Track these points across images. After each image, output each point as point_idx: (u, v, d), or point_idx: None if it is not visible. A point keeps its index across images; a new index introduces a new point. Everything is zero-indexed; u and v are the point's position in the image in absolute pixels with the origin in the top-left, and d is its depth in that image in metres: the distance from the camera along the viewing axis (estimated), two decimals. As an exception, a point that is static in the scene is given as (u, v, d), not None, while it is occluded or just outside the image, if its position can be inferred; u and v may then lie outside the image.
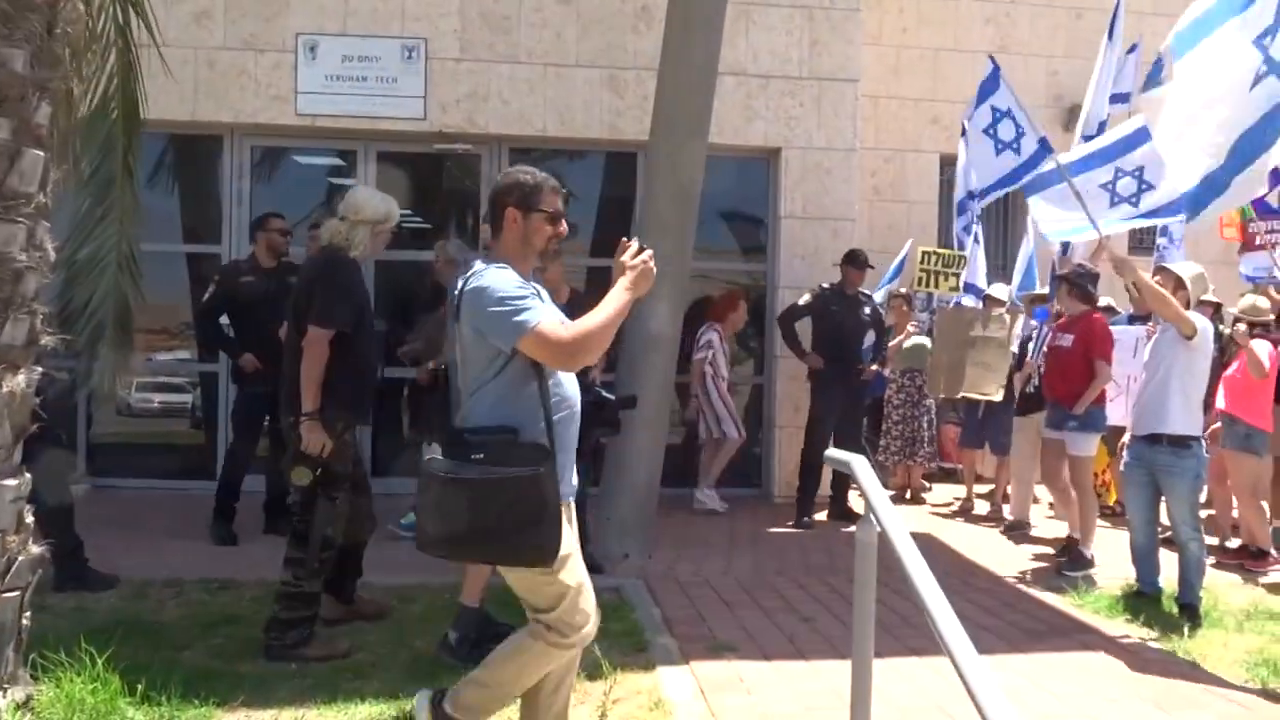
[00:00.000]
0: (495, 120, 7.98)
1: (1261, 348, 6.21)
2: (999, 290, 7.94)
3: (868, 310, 7.62)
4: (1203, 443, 5.33)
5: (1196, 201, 5.19)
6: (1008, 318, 7.53)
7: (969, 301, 8.39)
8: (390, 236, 4.59)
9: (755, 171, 8.53)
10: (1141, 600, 5.45)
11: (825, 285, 7.59)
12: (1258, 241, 7.80)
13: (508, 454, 2.70)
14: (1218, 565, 6.28)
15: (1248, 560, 6.41)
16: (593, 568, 5.71)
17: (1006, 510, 7.91)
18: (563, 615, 2.87)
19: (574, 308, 5.68)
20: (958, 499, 8.63)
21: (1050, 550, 6.82)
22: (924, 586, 2.11)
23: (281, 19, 7.81)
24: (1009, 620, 5.17)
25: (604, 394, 4.95)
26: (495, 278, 2.77)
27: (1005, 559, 6.58)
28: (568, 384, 3.00)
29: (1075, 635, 4.95)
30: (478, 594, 4.31)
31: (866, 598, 2.53)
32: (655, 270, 2.85)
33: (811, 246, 8.09)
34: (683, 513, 7.62)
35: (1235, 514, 7.13)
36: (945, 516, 8.17)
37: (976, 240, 8.32)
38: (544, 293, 2.94)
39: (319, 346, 4.20)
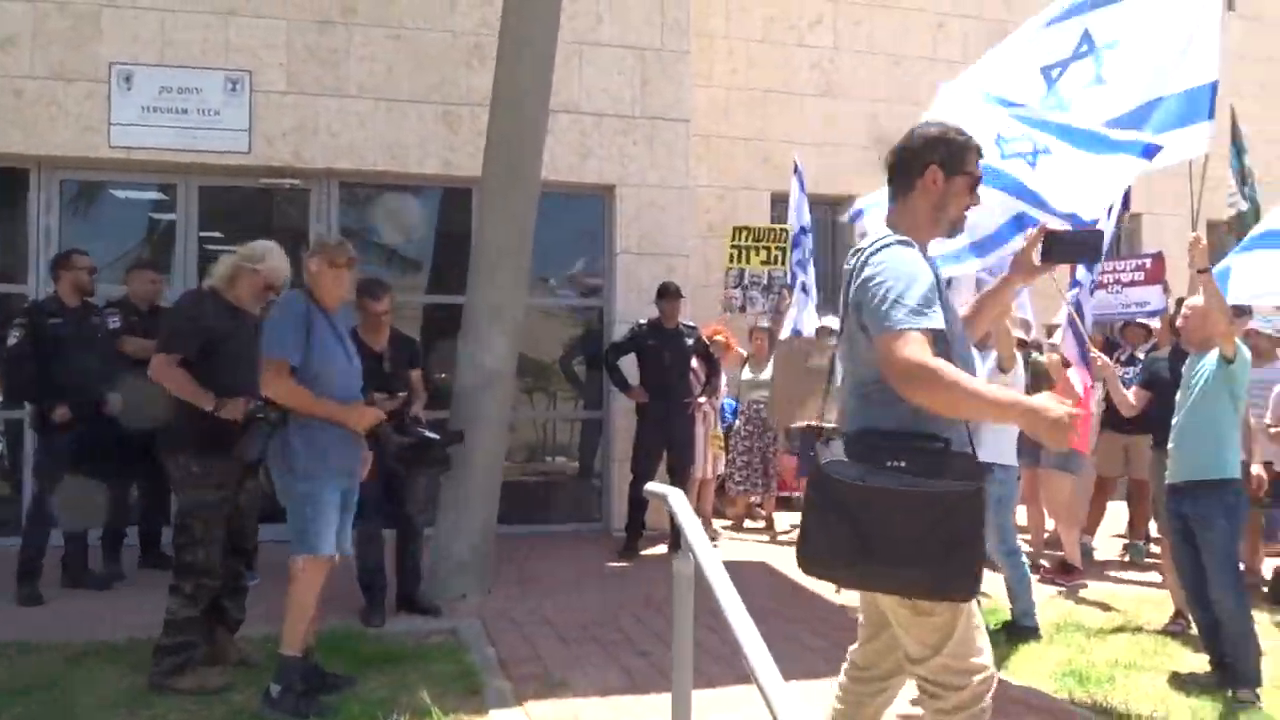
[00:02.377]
0: (324, 154, 7.80)
1: (1075, 377, 6.64)
2: (831, 321, 8.21)
3: (690, 341, 7.72)
4: (1006, 468, 5.64)
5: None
6: None
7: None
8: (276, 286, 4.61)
9: (591, 208, 8.61)
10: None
11: (643, 321, 7.74)
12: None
13: (939, 465, 2.34)
14: (1042, 580, 6.65)
15: (1060, 575, 6.81)
16: (430, 610, 5.65)
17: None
18: (939, 667, 2.44)
19: (396, 349, 5.64)
20: (794, 526, 8.85)
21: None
22: (734, 615, 2.15)
23: (92, 46, 7.43)
24: (838, 642, 5.28)
25: (428, 433, 4.90)
26: (898, 257, 2.40)
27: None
28: (969, 368, 2.61)
29: (900, 654, 5.13)
30: (299, 642, 4.14)
31: (685, 628, 2.55)
32: (1063, 424, 2.30)
33: (647, 282, 8.20)
34: (523, 550, 7.54)
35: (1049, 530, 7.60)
36: (785, 544, 8.36)
37: (804, 290, 8.63)
38: (945, 296, 2.52)
39: (162, 372, 4.30)
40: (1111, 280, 7.90)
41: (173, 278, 7.60)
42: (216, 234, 7.89)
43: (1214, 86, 4.41)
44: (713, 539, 8.04)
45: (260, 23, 7.67)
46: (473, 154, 7.16)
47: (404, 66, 7.93)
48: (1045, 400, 2.30)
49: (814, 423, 7.83)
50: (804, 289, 8.69)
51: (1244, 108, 9.32)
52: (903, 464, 2.33)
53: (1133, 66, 4.56)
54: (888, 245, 2.44)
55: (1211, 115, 4.39)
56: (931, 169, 2.52)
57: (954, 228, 2.64)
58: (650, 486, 2.91)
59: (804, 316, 8.48)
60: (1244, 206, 8.55)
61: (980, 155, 2.63)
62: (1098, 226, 3.96)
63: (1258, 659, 4.55)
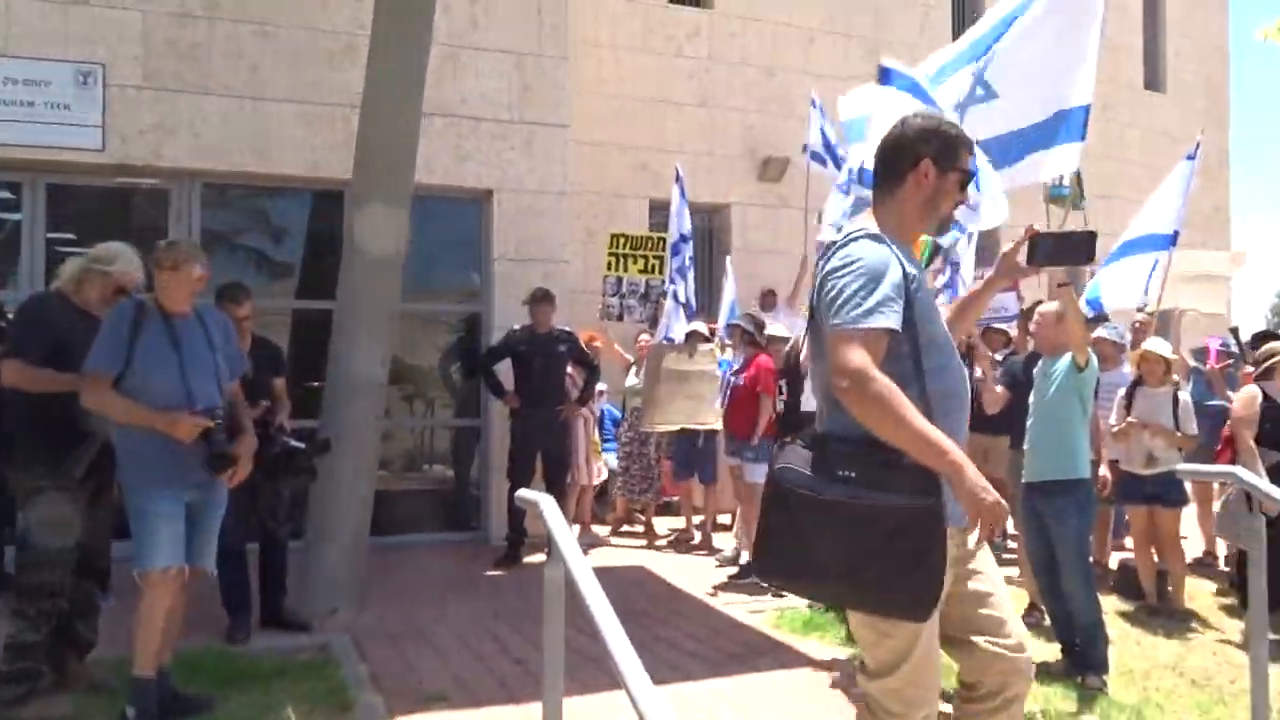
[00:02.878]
0: (185, 154, 7.48)
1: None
2: (700, 326, 8.29)
3: (563, 348, 7.68)
4: None
5: None
6: (718, 352, 7.90)
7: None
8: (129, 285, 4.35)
9: (469, 213, 8.51)
10: (833, 616, 5.84)
11: (517, 326, 7.71)
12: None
13: (886, 477, 2.17)
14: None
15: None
16: (298, 625, 5.47)
17: (717, 540, 8.27)
18: (887, 690, 2.31)
19: (258, 357, 5.44)
20: (674, 530, 8.93)
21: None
22: (603, 620, 2.14)
23: (-73, 34, 6.97)
24: (714, 645, 5.36)
25: (293, 443, 4.75)
26: (864, 251, 2.26)
27: (715, 585, 6.83)
28: (954, 374, 2.44)
29: (774, 655, 5.20)
30: (151, 662, 3.95)
31: (556, 635, 2.53)
32: (995, 511, 2.17)
33: (525, 287, 8.14)
34: (399, 561, 7.38)
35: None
36: (662, 549, 8.41)
37: (676, 298, 8.73)
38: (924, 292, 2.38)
39: (13, 376, 4.09)
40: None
41: (18, 280, 7.18)
42: (68, 235, 7.47)
43: (1088, 109, 4.66)
44: (591, 544, 8.04)
45: (113, 14, 7.31)
46: (344, 156, 6.98)
47: (271, 64, 7.68)
48: (978, 477, 2.14)
49: (689, 426, 7.93)
50: (675, 296, 8.80)
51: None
52: (852, 474, 2.20)
53: (1022, 90, 4.72)
54: (855, 239, 2.32)
55: (1084, 136, 4.64)
56: (924, 162, 2.38)
57: (944, 226, 2.54)
58: (522, 493, 2.88)
59: (675, 323, 8.58)
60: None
61: (972, 151, 2.51)
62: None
63: (1105, 647, 4.81)
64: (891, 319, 2.21)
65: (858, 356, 2.15)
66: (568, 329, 7.88)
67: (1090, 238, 2.75)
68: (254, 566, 5.52)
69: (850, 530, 2.16)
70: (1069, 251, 2.81)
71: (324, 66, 7.79)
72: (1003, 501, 2.17)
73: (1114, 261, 7.67)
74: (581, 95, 10.55)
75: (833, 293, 2.25)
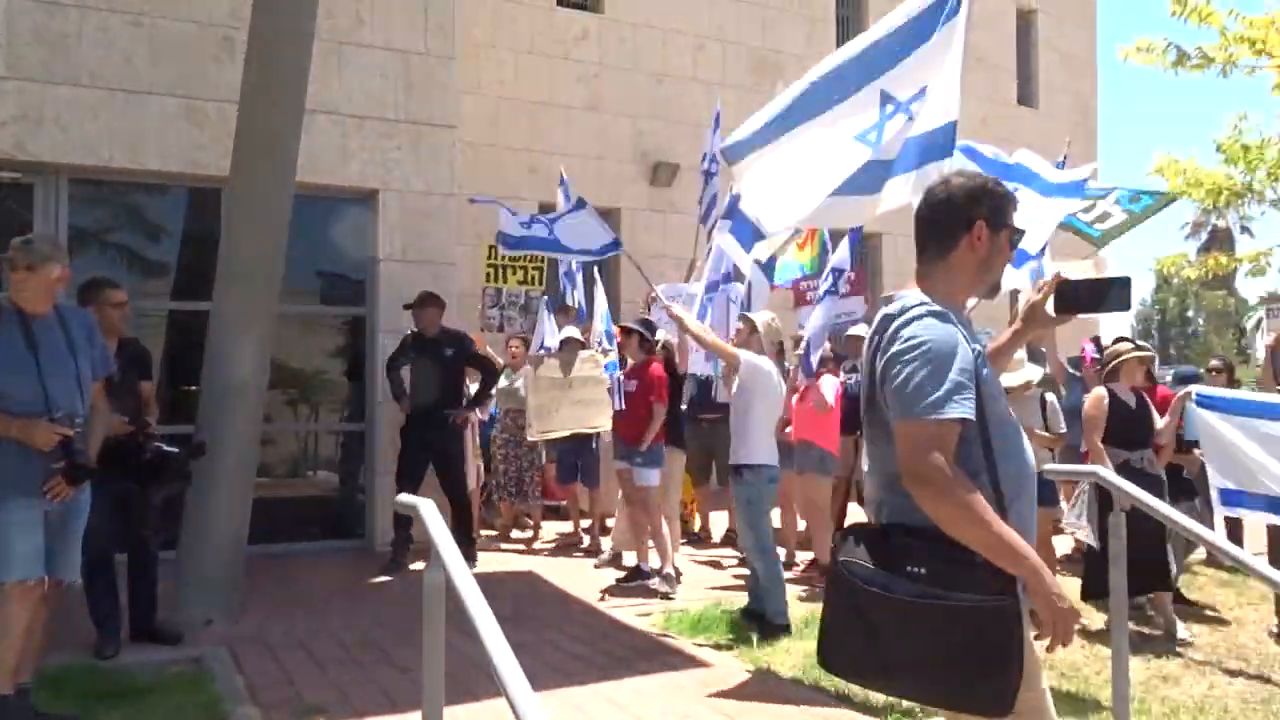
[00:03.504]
0: (51, 148, 7.13)
1: (828, 384, 7.02)
2: (573, 331, 8.28)
3: (450, 352, 7.57)
4: (758, 469, 5.88)
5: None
6: (600, 356, 7.91)
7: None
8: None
9: (354, 213, 8.34)
10: (719, 616, 5.92)
11: (411, 330, 7.62)
12: (809, 298, 8.87)
13: (961, 576, 2.04)
14: (793, 581, 6.96)
15: (819, 575, 7.10)
16: (171, 638, 5.27)
17: (606, 542, 8.28)
18: None
19: (125, 359, 5.21)
20: (561, 534, 8.92)
21: (644, 581, 7.19)
22: (483, 625, 2.13)
23: None
24: (602, 649, 5.38)
25: (165, 448, 4.59)
26: (932, 332, 2.11)
27: (602, 587, 6.84)
28: (1022, 451, 2.28)
29: (661, 657, 5.25)
30: (10, 680, 3.76)
31: (436, 642, 2.51)
32: (1068, 619, 2.09)
33: (412, 290, 8.02)
34: (280, 570, 7.19)
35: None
36: (550, 553, 8.39)
37: (548, 308, 8.76)
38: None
39: None
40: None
41: None
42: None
43: (954, 125, 4.76)
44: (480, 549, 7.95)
45: (-27, -1, 6.94)
46: (221, 153, 6.77)
47: (144, 55, 7.39)
48: (1054, 582, 2.08)
49: (581, 431, 7.92)
50: (554, 303, 8.82)
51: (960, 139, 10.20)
52: (923, 571, 2.07)
53: (931, 105, 4.79)
54: (919, 317, 2.14)
55: (951, 152, 4.75)
56: (978, 224, 2.24)
57: (995, 291, 2.41)
58: (401, 498, 2.84)
59: (550, 331, 8.59)
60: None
61: (1015, 206, 2.39)
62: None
63: None
64: (964, 408, 2.09)
65: (931, 454, 2.03)
66: (458, 331, 7.79)
67: (1124, 284, 2.51)
68: (124, 577, 5.30)
69: (925, 630, 2.06)
70: (1101, 299, 2.57)
71: (202, 59, 7.53)
72: (1075, 608, 2.12)
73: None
74: (471, 96, 10.46)
75: (899, 379, 2.10)
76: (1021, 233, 2.38)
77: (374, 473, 8.21)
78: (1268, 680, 5.26)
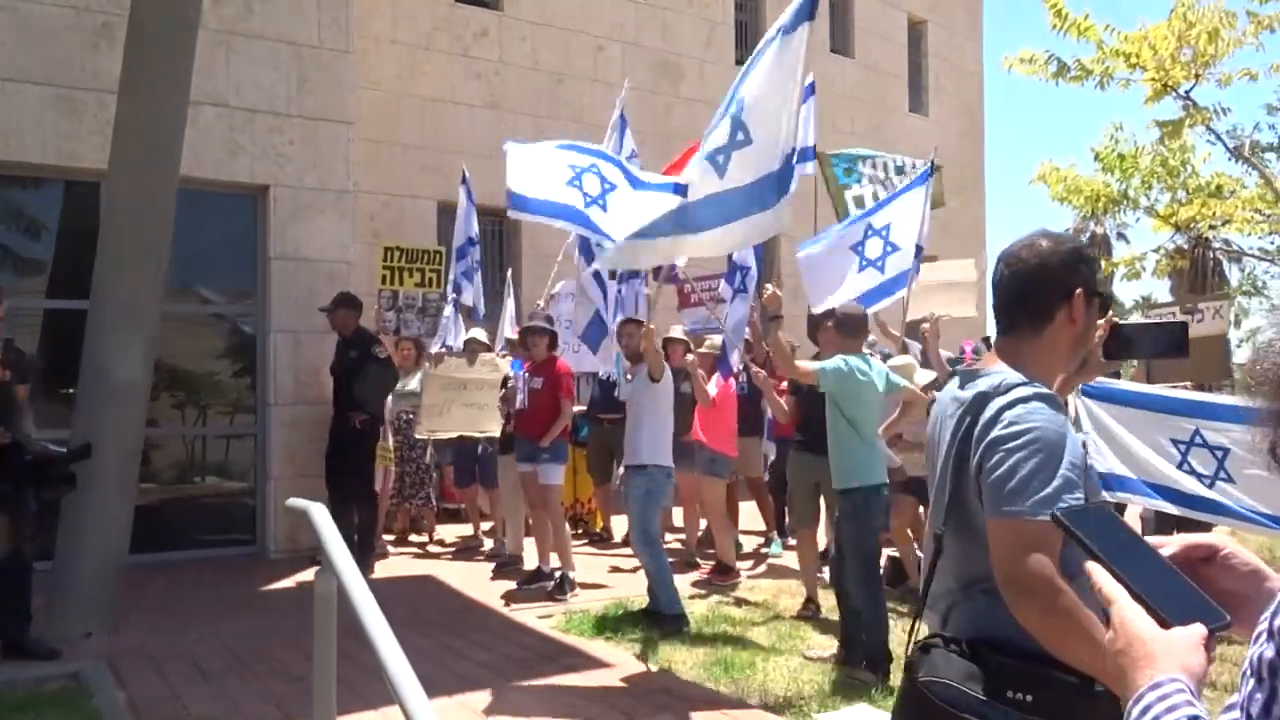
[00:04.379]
0: (-88, 136, 6.73)
1: (715, 382, 7.07)
2: (479, 334, 8.19)
3: (354, 354, 7.41)
4: (658, 467, 5.90)
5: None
6: (499, 361, 7.83)
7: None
8: None
9: (242, 209, 8.07)
10: (620, 616, 5.91)
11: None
12: (693, 299, 8.92)
13: (1076, 707, 1.74)
14: (696, 583, 6.99)
15: (717, 576, 7.14)
16: (46, 653, 5.00)
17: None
18: None
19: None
20: (461, 538, 8.79)
21: (545, 583, 7.12)
22: (376, 632, 2.06)
23: None
24: (502, 653, 5.31)
25: (52, 448, 4.34)
26: (1043, 420, 1.84)
27: (501, 590, 6.76)
28: None
29: (562, 659, 5.20)
30: None
31: (327, 652, 2.42)
32: None
33: (305, 289, 7.81)
34: (165, 579, 6.90)
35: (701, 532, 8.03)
36: (450, 557, 8.26)
37: (456, 307, 8.64)
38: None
39: None
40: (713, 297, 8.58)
41: None
42: None
43: (792, 158, 4.98)
44: (379, 555, 7.78)
45: None
46: (100, 145, 6.47)
47: (14, 42, 7.01)
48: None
49: (468, 434, 7.79)
50: (457, 304, 8.69)
51: (854, 145, 10.42)
52: (1028, 699, 1.77)
53: (766, 134, 4.96)
54: (1026, 399, 1.89)
55: (789, 189, 4.92)
56: (1078, 294, 1.97)
57: (1093, 370, 2.27)
58: (291, 501, 2.73)
59: (454, 331, 8.47)
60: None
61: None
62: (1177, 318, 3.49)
63: (885, 642, 5.02)
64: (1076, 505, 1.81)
65: (1036, 559, 1.74)
66: (368, 333, 7.63)
67: (1181, 330, 2.35)
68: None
69: None
70: (1155, 344, 2.43)
71: (77, 47, 7.19)
72: None
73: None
74: (368, 91, 10.24)
75: (1001, 470, 1.83)
76: (1111, 297, 2.17)
77: (265, 477, 7.96)
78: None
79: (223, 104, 7.67)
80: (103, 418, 5.57)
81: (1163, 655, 0.92)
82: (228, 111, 7.71)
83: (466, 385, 7.60)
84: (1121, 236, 42.36)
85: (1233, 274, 28.50)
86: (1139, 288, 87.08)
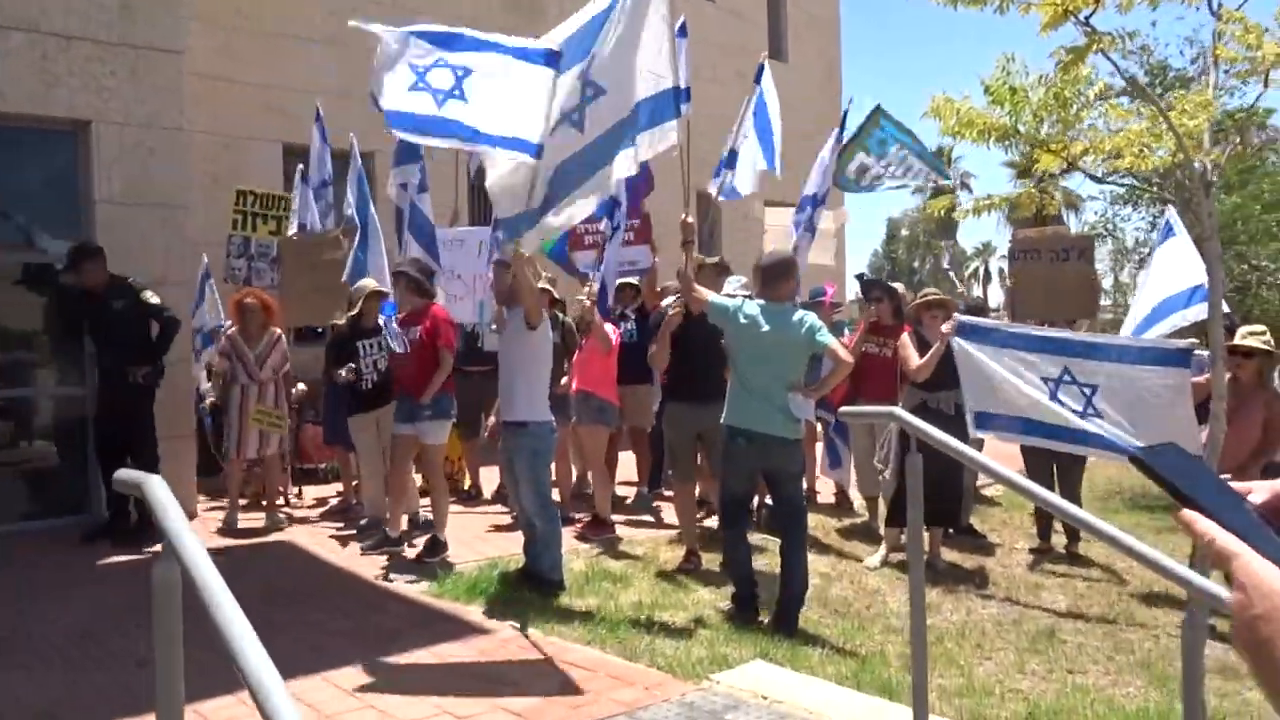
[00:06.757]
0: None
1: (607, 327, 6.86)
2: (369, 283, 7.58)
3: (119, 304, 6.78)
4: (540, 423, 5.62)
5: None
6: (342, 238, 7.24)
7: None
8: None
9: (62, 147, 7.29)
10: (494, 578, 5.65)
11: (79, 289, 6.91)
12: (586, 241, 8.60)
13: None
14: (576, 537, 6.74)
15: (593, 530, 6.92)
16: None
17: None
18: None
19: None
20: (319, 499, 8.34)
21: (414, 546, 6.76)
22: (222, 616, 1.76)
23: None
24: (371, 622, 4.98)
25: None
26: None
27: (371, 559, 6.35)
28: None
29: (436, 626, 4.91)
30: None
31: (172, 645, 2.09)
32: None
33: (137, 235, 7.14)
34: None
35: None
36: (314, 521, 7.77)
37: (305, 180, 8.36)
38: None
39: None
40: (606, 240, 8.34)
41: None
42: None
43: (677, 90, 5.12)
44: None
45: None
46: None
47: None
48: None
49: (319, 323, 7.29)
50: (306, 180, 8.39)
51: (716, 91, 10.23)
52: None
53: (625, 79, 5.01)
54: None
55: (678, 114, 5.10)
56: None
57: None
58: (121, 474, 2.35)
59: (313, 211, 8.06)
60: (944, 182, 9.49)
61: None
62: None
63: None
64: None
65: None
66: (124, 280, 6.86)
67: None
68: None
69: None
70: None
71: None
72: None
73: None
74: (200, 24, 9.44)
75: None
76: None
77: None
78: (1016, 602, 5.60)
79: (33, 29, 6.86)
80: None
81: None
82: (40, 37, 6.90)
83: (316, 265, 7.13)
84: (965, 186, 43.91)
85: (1071, 221, 29.91)
86: (981, 235, 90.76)
